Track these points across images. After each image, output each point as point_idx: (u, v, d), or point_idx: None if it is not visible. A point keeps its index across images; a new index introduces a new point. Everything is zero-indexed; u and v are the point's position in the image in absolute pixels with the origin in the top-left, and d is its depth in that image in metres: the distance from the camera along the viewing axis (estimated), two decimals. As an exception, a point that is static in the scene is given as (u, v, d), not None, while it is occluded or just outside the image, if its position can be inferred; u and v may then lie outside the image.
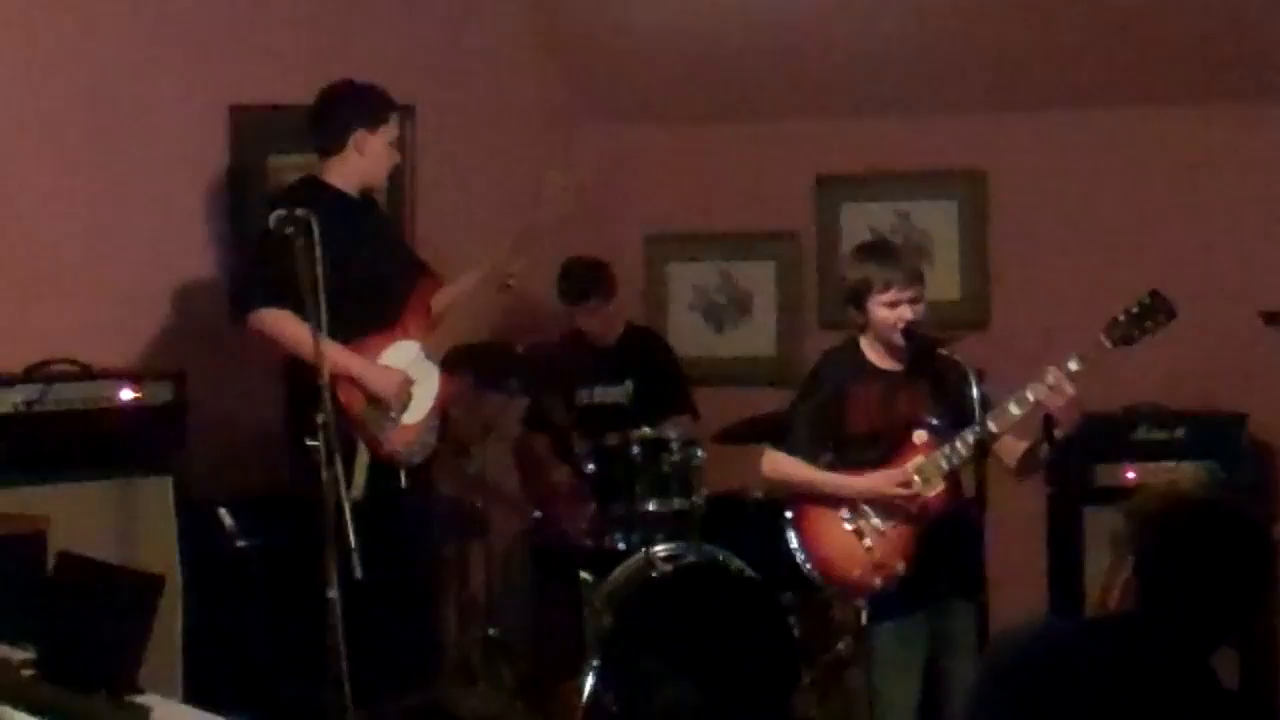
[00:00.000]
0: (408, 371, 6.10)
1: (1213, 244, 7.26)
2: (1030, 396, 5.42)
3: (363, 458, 5.85)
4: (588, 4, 7.95)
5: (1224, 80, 7.17)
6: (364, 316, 5.92)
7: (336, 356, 5.72)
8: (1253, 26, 7.00)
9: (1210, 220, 7.30)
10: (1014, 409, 5.45)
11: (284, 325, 5.95)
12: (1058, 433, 5.49)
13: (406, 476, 6.11)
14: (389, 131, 6.22)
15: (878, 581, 5.62)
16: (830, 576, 5.73)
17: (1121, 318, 5.43)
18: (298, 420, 5.77)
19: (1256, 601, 3.41)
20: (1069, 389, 5.38)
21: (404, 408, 6.08)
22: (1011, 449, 5.65)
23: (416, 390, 6.13)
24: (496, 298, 6.52)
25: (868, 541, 5.64)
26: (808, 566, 5.74)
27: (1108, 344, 5.42)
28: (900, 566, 5.61)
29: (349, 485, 5.47)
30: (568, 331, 7.53)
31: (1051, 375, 5.39)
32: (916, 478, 5.59)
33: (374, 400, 5.99)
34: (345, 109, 6.21)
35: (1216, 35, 7.06)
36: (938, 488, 5.59)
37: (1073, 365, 5.40)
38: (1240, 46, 7.08)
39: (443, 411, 6.28)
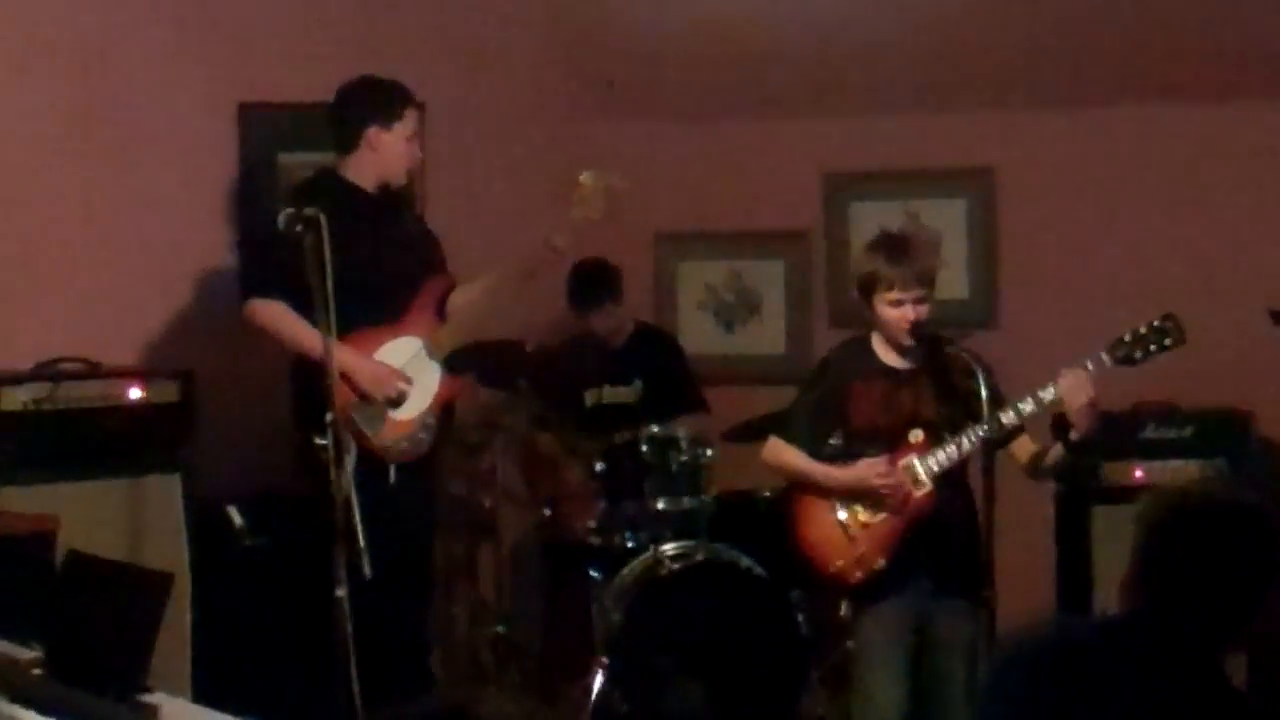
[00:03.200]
0: (405, 368, 6.10)
1: (1221, 242, 7.26)
2: (1046, 396, 5.42)
3: (350, 453, 5.76)
4: (598, 2, 7.95)
5: (1233, 78, 7.18)
6: (365, 310, 5.90)
7: (321, 347, 5.69)
8: (1261, 25, 7.01)
9: (1219, 218, 7.30)
10: (1027, 406, 5.44)
11: (278, 318, 5.99)
12: (1074, 435, 5.49)
13: (397, 473, 6.08)
14: (404, 128, 6.20)
15: (858, 574, 5.65)
16: (814, 565, 5.75)
17: (1128, 337, 5.42)
18: (303, 418, 5.78)
19: (1264, 594, 3.39)
20: (1089, 390, 5.37)
21: (394, 404, 6.08)
22: (1025, 449, 5.65)
23: (413, 387, 6.12)
24: (519, 298, 6.48)
25: (853, 533, 5.66)
26: (794, 554, 5.78)
27: (1108, 361, 5.41)
28: (880, 563, 5.63)
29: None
30: (578, 332, 7.53)
31: (1070, 375, 5.38)
32: (909, 484, 5.59)
33: (363, 394, 6.00)
34: (359, 105, 6.22)
35: (1225, 33, 7.07)
36: (926, 488, 5.60)
37: (1070, 379, 5.40)
38: (1249, 44, 7.08)
39: (442, 409, 6.26)
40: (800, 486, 5.80)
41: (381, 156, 6.20)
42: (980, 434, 5.44)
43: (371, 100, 6.21)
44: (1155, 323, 5.42)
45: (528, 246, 6.28)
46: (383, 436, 6.06)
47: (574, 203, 6.20)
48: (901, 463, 5.62)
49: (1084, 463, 6.49)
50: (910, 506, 5.61)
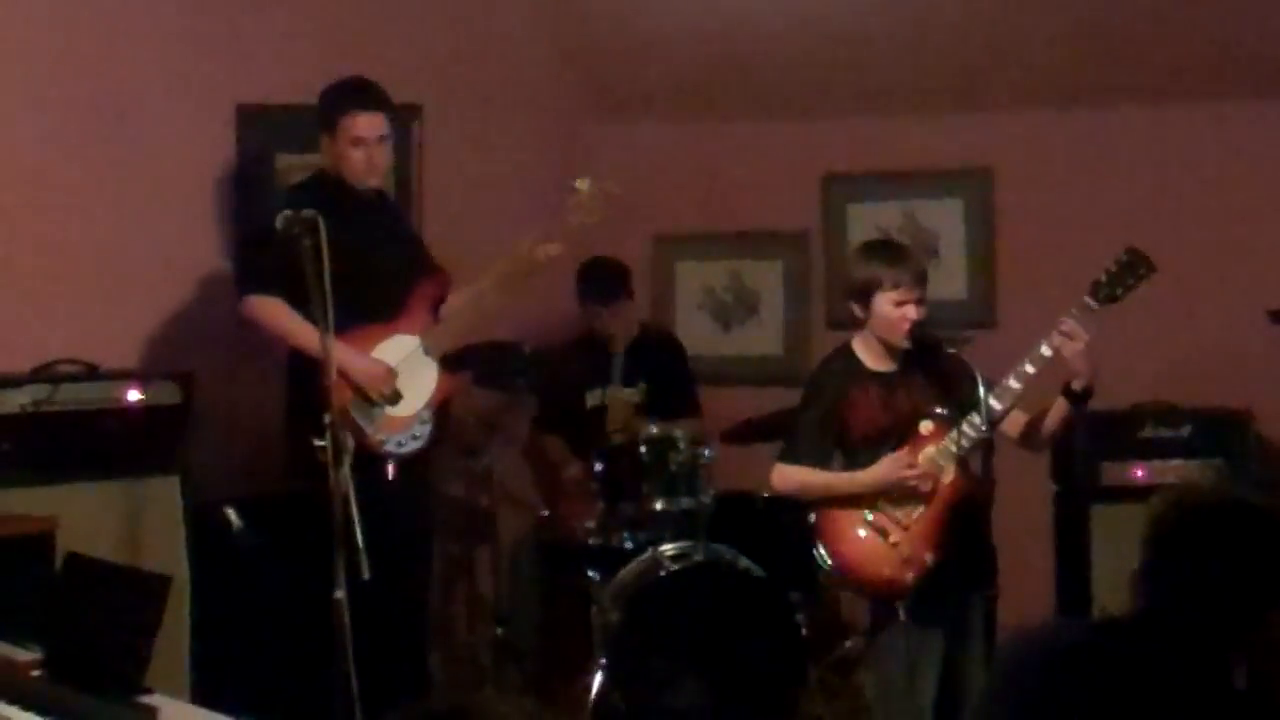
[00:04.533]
0: (401, 365, 6.14)
1: (1219, 241, 7.26)
2: (1044, 352, 5.44)
3: (348, 451, 5.65)
4: (597, 3, 7.95)
5: (1231, 77, 7.18)
6: (360, 309, 5.89)
7: (316, 345, 5.69)
8: (1260, 24, 7.01)
9: (1217, 218, 7.30)
10: (1029, 366, 5.46)
11: (276, 314, 6.01)
12: (1076, 384, 5.51)
13: (395, 470, 6.11)
14: (344, 133, 6.17)
15: (910, 576, 5.63)
16: (862, 580, 5.73)
17: (1103, 278, 5.48)
18: (300, 418, 5.78)
19: (1273, 596, 3.39)
20: (1084, 334, 5.40)
21: (389, 400, 6.10)
22: (1017, 423, 5.66)
23: (410, 384, 6.15)
24: (512, 297, 6.50)
25: (893, 537, 5.65)
26: (838, 574, 5.76)
27: (1093, 304, 5.45)
28: (929, 558, 5.62)
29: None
30: (580, 333, 7.53)
31: (1062, 324, 5.41)
32: (922, 460, 5.60)
33: (359, 391, 6.01)
34: (317, 112, 6.27)
35: (1223, 33, 7.07)
36: (951, 474, 5.60)
37: (1064, 326, 5.43)
38: (1247, 43, 7.08)
39: (439, 408, 6.30)
40: (822, 504, 5.78)
41: (332, 160, 6.23)
42: (994, 406, 5.45)
43: (320, 106, 6.26)
44: (1123, 258, 5.51)
45: (517, 250, 6.28)
46: (380, 433, 6.09)
47: (569, 209, 6.23)
48: (921, 455, 5.62)
49: (1082, 462, 6.50)
50: (942, 494, 5.61)
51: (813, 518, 5.81)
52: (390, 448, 6.12)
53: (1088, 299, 5.47)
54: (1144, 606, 3.42)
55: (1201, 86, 7.22)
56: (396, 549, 5.84)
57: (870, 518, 5.67)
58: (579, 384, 7.38)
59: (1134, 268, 5.48)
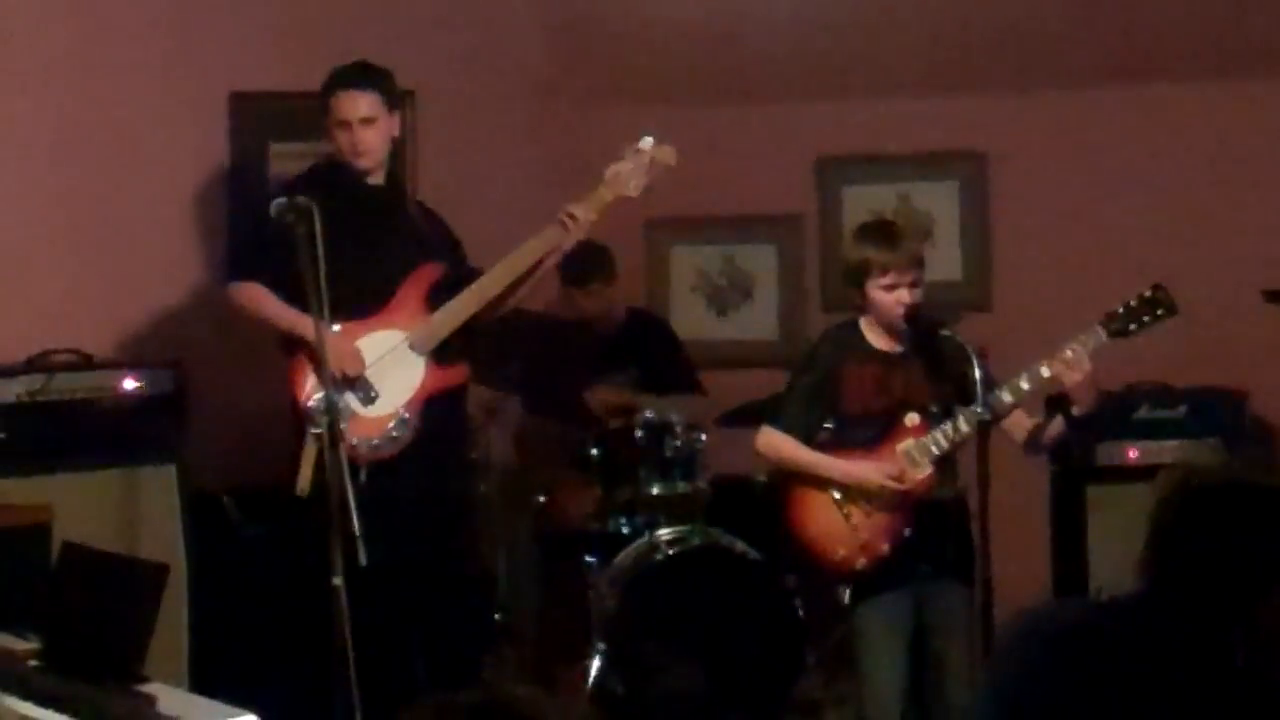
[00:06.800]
0: (380, 362, 5.94)
1: (1214, 222, 7.27)
2: (1044, 372, 5.42)
3: (310, 451, 5.49)
4: (588, -13, 7.95)
5: (1225, 58, 7.18)
6: (341, 302, 5.66)
7: (293, 320, 5.66)
8: (1254, 4, 7.01)
9: (1211, 198, 7.30)
10: (1025, 384, 5.44)
11: (254, 298, 5.96)
12: (1076, 411, 5.48)
13: (369, 474, 5.76)
14: (331, 115, 6.06)
15: (862, 562, 5.64)
16: (815, 555, 5.73)
17: (1120, 310, 5.41)
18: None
19: (1275, 575, 3.38)
20: (1086, 365, 5.37)
21: (356, 389, 5.89)
22: (1021, 424, 5.64)
23: (387, 383, 5.96)
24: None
25: (854, 521, 5.65)
26: (794, 544, 5.77)
27: (1103, 335, 5.41)
28: (885, 548, 5.62)
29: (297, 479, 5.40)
30: (569, 319, 7.51)
31: (1069, 351, 5.38)
32: (908, 468, 5.59)
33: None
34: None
35: (1218, 13, 7.08)
36: (925, 471, 5.59)
37: (1069, 354, 5.40)
38: (1241, 24, 7.08)
39: (427, 404, 6.03)
40: (796, 475, 5.79)
41: (333, 144, 6.13)
42: (977, 414, 5.43)
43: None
44: (1146, 294, 5.41)
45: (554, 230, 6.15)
46: (349, 434, 5.71)
47: (606, 181, 6.15)
48: (899, 447, 5.61)
49: (1081, 441, 6.50)
50: (912, 490, 5.61)
51: (781, 488, 5.82)
52: (361, 450, 5.84)
53: (1099, 329, 5.39)
54: (1149, 586, 3.41)
55: (1196, 67, 7.22)
56: (379, 554, 5.44)
57: (838, 497, 5.67)
58: (571, 371, 7.35)
59: (1154, 306, 5.39)
